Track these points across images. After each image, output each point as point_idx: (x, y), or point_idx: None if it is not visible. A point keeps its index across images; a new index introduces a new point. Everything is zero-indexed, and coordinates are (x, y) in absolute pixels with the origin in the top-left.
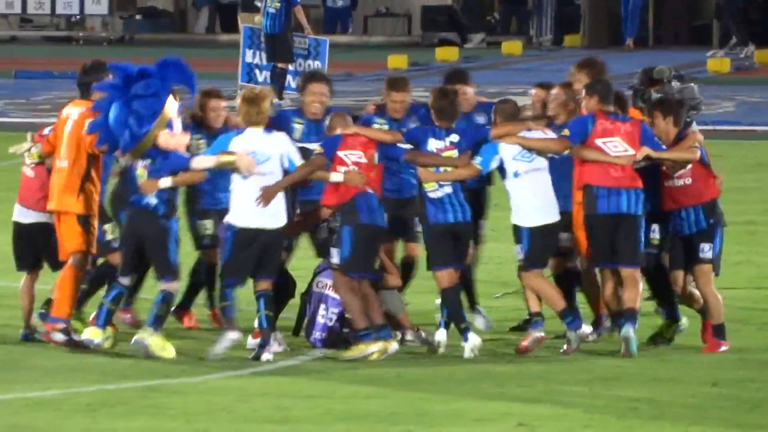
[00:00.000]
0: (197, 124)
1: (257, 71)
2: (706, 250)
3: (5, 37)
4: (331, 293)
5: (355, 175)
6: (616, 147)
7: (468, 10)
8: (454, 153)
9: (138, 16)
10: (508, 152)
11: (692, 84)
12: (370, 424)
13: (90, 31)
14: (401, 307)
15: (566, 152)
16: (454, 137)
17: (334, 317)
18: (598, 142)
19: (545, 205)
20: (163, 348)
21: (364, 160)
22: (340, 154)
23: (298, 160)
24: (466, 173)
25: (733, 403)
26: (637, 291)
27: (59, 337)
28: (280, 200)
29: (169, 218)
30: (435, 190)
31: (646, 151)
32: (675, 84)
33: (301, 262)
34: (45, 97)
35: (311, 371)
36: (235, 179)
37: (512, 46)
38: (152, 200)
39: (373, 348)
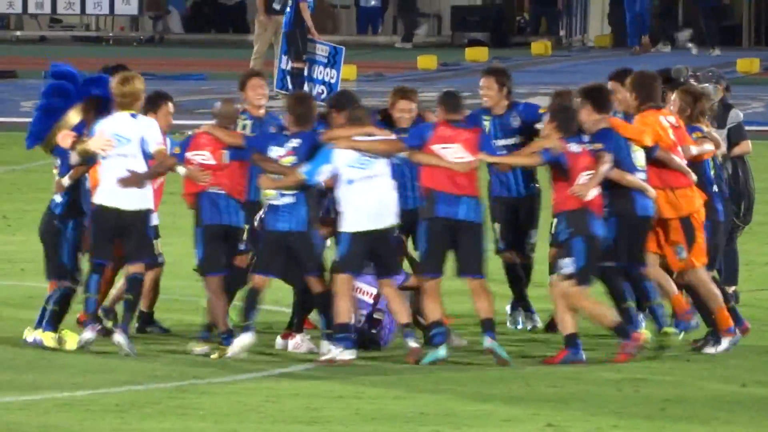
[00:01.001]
0: (386, 121)
1: (289, 78)
2: (565, 265)
3: (35, 37)
4: (358, 295)
5: (197, 171)
6: (454, 153)
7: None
8: (293, 159)
9: (167, 16)
10: (342, 160)
11: (708, 84)
12: (398, 424)
13: (119, 31)
14: None
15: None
16: (295, 142)
17: (363, 319)
18: (435, 147)
19: (376, 212)
20: (60, 341)
21: (211, 161)
22: (188, 154)
23: (154, 146)
24: (291, 181)
25: (762, 404)
26: (488, 300)
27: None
28: (143, 186)
29: (65, 219)
30: (274, 198)
31: (481, 156)
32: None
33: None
34: None
35: (340, 372)
36: (101, 161)
37: (541, 47)
38: (57, 199)
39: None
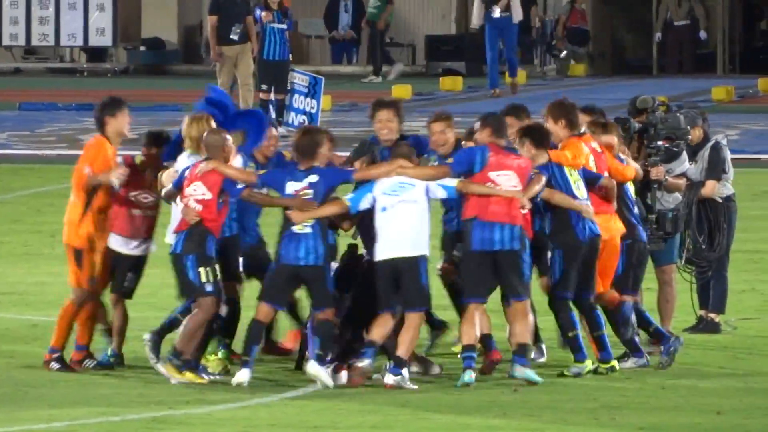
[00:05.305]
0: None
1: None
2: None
3: (9, 69)
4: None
5: (190, 212)
6: (509, 180)
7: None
8: (310, 193)
9: (142, 48)
10: (380, 188)
11: (678, 114)
12: None
13: (94, 63)
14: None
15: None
16: (313, 178)
17: (338, 351)
18: (492, 174)
19: (401, 239)
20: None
21: (208, 196)
22: (187, 190)
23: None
24: (336, 209)
25: (738, 431)
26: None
27: (54, 365)
28: None
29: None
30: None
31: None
32: (659, 113)
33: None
34: (49, 129)
35: (317, 402)
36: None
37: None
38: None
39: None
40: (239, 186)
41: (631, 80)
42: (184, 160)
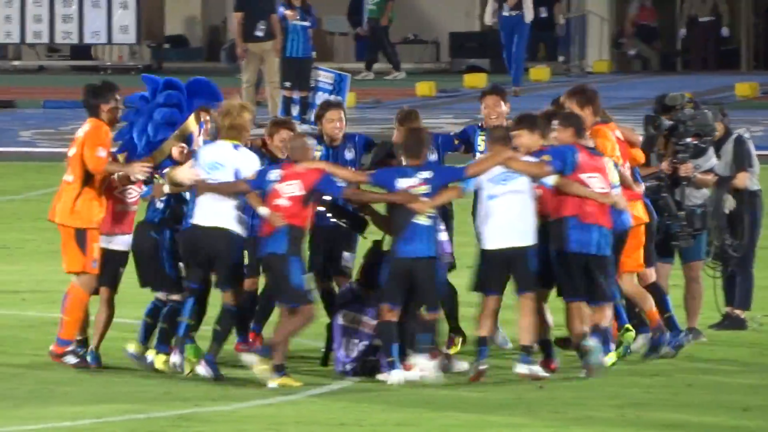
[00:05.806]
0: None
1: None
2: None
3: (33, 67)
4: (359, 328)
5: (276, 217)
6: (599, 182)
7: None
8: (427, 189)
9: (166, 45)
10: (486, 175)
11: (706, 110)
12: None
13: (118, 60)
14: None
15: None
16: (426, 174)
17: (363, 348)
18: (584, 176)
19: (510, 228)
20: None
21: (300, 193)
22: (282, 188)
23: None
24: (453, 194)
25: (765, 428)
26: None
27: (70, 359)
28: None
29: (163, 229)
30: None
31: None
32: (688, 111)
33: None
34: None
35: (342, 399)
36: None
37: (540, 72)
38: (158, 205)
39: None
40: (340, 184)
41: (655, 77)
42: (224, 148)
